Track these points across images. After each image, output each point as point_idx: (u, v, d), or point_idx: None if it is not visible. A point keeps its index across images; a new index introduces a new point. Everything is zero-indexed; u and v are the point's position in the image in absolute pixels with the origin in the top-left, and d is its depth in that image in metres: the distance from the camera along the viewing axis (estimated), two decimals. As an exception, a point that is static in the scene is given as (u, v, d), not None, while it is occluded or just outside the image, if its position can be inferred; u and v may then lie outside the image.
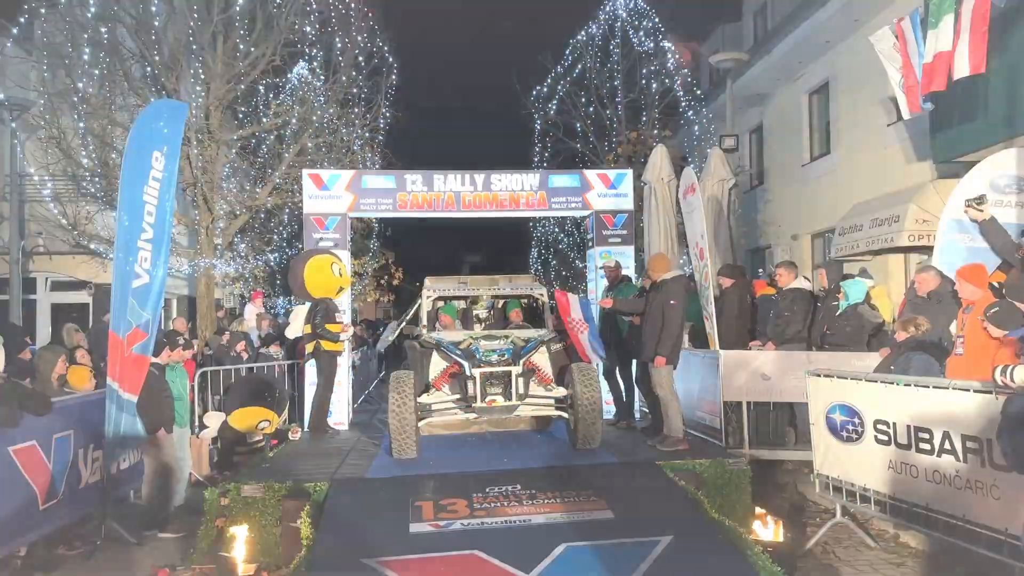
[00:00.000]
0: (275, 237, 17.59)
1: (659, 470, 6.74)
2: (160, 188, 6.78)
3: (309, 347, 9.00)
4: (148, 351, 6.75)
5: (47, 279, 17.17)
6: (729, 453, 7.39)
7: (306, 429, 9.35)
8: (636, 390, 9.08)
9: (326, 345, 8.78)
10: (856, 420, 5.84)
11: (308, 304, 9.12)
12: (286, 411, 9.53)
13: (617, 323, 8.89)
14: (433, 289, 8.63)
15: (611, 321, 8.92)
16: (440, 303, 9.16)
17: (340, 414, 9.55)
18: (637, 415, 9.41)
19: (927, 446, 5.18)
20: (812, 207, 14.72)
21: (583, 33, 18.86)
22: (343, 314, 9.19)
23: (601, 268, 9.78)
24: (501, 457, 7.45)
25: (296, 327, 9.51)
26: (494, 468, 6.94)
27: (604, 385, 9.08)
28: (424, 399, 7.59)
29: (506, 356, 7.33)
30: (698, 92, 18.58)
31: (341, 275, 9.10)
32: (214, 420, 8.69)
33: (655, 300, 7.63)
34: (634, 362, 8.76)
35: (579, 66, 18.78)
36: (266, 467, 7.32)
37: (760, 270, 14.57)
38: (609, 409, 9.50)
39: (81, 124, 13.44)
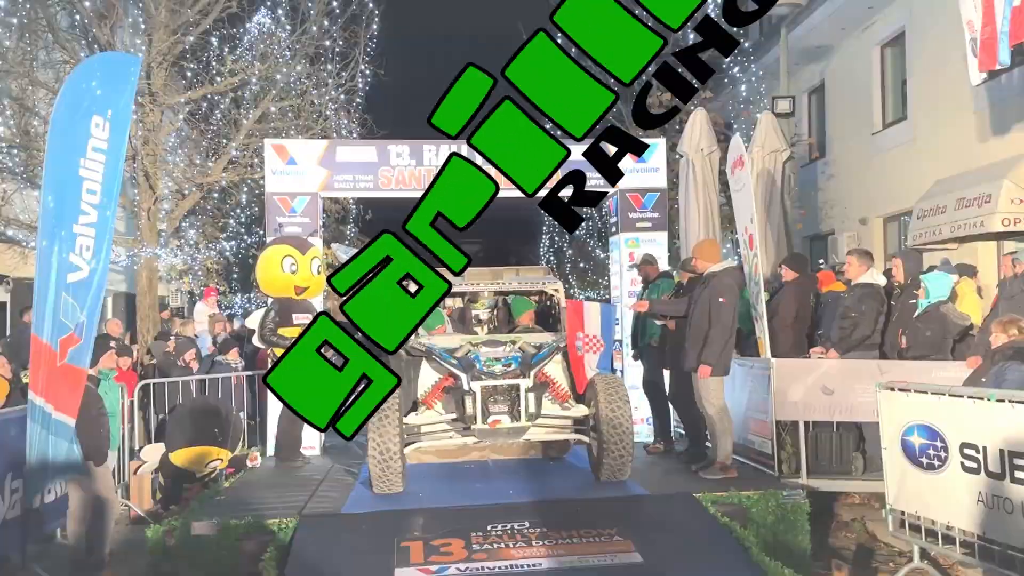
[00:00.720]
0: (231, 222, 17.65)
1: (697, 504, 6.74)
2: (106, 162, 6.64)
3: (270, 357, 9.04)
4: (84, 361, 6.67)
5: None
6: (783, 483, 7.38)
7: (269, 455, 9.36)
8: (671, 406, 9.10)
9: (279, 353, 8.79)
10: (938, 444, 5.82)
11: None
12: (244, 437, 9.58)
13: (647, 327, 8.90)
14: None
15: (643, 325, 8.93)
16: None
17: (311, 437, 9.58)
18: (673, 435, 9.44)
19: (1025, 475, 5.17)
20: (884, 184, 14.69)
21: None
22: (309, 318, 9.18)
23: (632, 267, 9.77)
24: (506, 490, 7.46)
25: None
26: (497, 502, 6.94)
27: (642, 398, 9.14)
28: (412, 419, 7.60)
29: (513, 366, 7.33)
30: (745, 44, 18.53)
31: (295, 271, 9.02)
32: (152, 454, 8.70)
33: (701, 297, 7.63)
34: (667, 374, 8.78)
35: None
36: (221, 500, 7.32)
37: (821, 261, 14.53)
38: (640, 429, 9.50)
39: (-6, 85, 13.53)
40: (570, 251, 24.44)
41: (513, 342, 7.82)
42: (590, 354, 8.09)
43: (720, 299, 7.49)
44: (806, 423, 7.84)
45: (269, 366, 8.94)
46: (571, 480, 7.87)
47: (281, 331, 8.79)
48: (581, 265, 23.16)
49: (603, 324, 8.41)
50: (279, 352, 8.78)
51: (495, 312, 9.13)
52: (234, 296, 21.29)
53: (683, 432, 9.09)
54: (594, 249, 21.36)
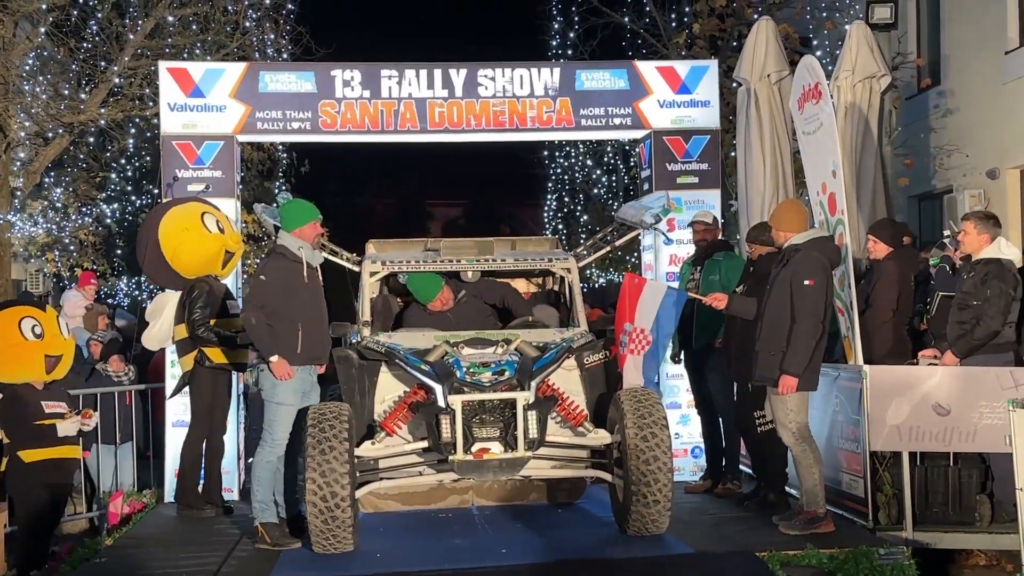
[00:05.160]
0: (113, 176, 17.60)
1: (763, 566, 6.78)
2: None
3: (187, 360, 8.99)
4: None
5: None
6: (879, 538, 7.42)
7: (167, 500, 9.40)
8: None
9: (213, 355, 8.81)
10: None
11: (179, 292, 9.12)
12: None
13: (708, 320, 8.91)
14: (380, 261, 8.60)
15: (701, 317, 8.94)
16: (394, 284, 9.18)
17: (230, 476, 9.60)
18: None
19: None
20: (1021, 124, 14.68)
21: None
22: (237, 305, 9.17)
23: (668, 241, 9.74)
24: (496, 548, 7.47)
25: (160, 330, 9.47)
26: (485, 565, 6.97)
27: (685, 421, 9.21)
28: (367, 451, 7.61)
29: (507, 374, 7.36)
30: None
31: (222, 230, 9.06)
32: None
33: (777, 280, 7.65)
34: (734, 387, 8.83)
35: None
36: (101, 563, 7.37)
37: (946, 233, 14.50)
38: (684, 463, 9.54)
39: None
40: (585, 216, 24.40)
41: (507, 341, 7.84)
42: (632, 356, 8.06)
43: (805, 281, 7.48)
44: (912, 455, 7.86)
45: (181, 376, 9.01)
46: (587, 534, 7.90)
47: (214, 323, 8.79)
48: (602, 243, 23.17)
49: (662, 317, 8.34)
50: (214, 354, 8.80)
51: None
52: (116, 280, 21.22)
53: (748, 469, 9.16)
54: (615, 217, 21.35)
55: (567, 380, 8.01)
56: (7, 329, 8.43)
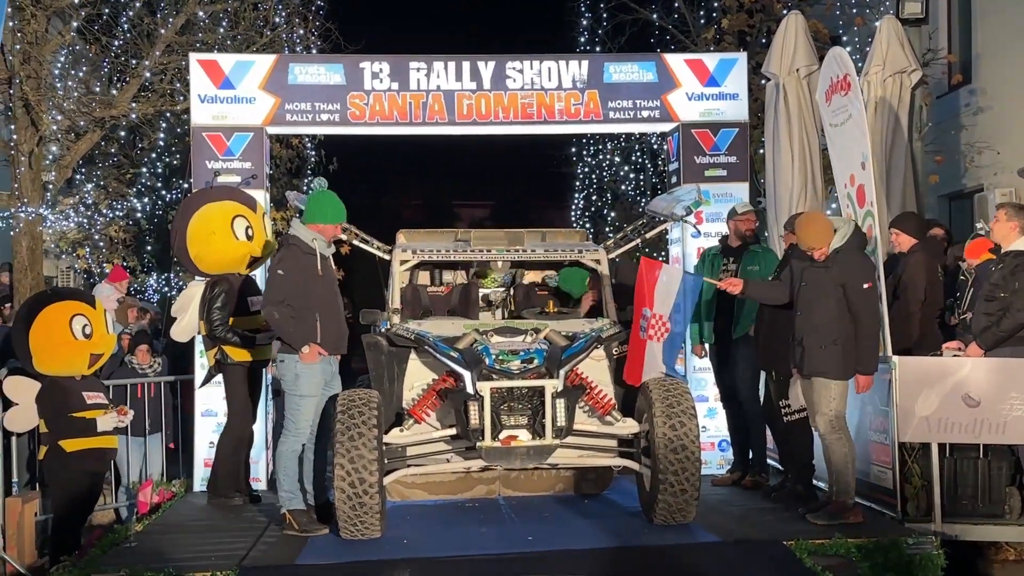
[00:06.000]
0: (144, 171, 17.70)
1: (789, 555, 6.80)
2: None
3: (209, 356, 9.08)
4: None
5: None
6: (907, 528, 7.42)
7: (198, 489, 9.51)
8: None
9: (233, 353, 8.87)
10: None
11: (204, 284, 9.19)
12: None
13: (743, 310, 8.92)
14: (411, 250, 8.66)
15: (734, 307, 8.95)
16: (423, 273, 9.26)
17: (257, 466, 9.70)
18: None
19: None
20: (1053, 122, 14.57)
21: None
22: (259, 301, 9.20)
23: (697, 234, 9.76)
24: (523, 535, 7.51)
25: (188, 322, 9.56)
26: (511, 551, 7.01)
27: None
28: (395, 437, 7.65)
29: (536, 362, 7.39)
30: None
31: (251, 237, 9.09)
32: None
33: (825, 280, 7.66)
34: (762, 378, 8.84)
35: None
36: (131, 548, 7.42)
37: (979, 225, 14.42)
38: (711, 456, 9.57)
39: None
40: (612, 215, 24.36)
41: (536, 330, 7.89)
42: (652, 342, 8.01)
43: (864, 285, 7.58)
44: (941, 446, 7.85)
45: (209, 368, 9.08)
46: (614, 523, 7.91)
47: (235, 322, 8.85)
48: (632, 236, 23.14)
49: (681, 302, 8.21)
50: (233, 352, 8.85)
51: (512, 292, 9.15)
52: (147, 276, 21.34)
53: (778, 463, 9.15)
54: (646, 211, 21.32)
55: (595, 370, 8.04)
56: (58, 326, 8.53)
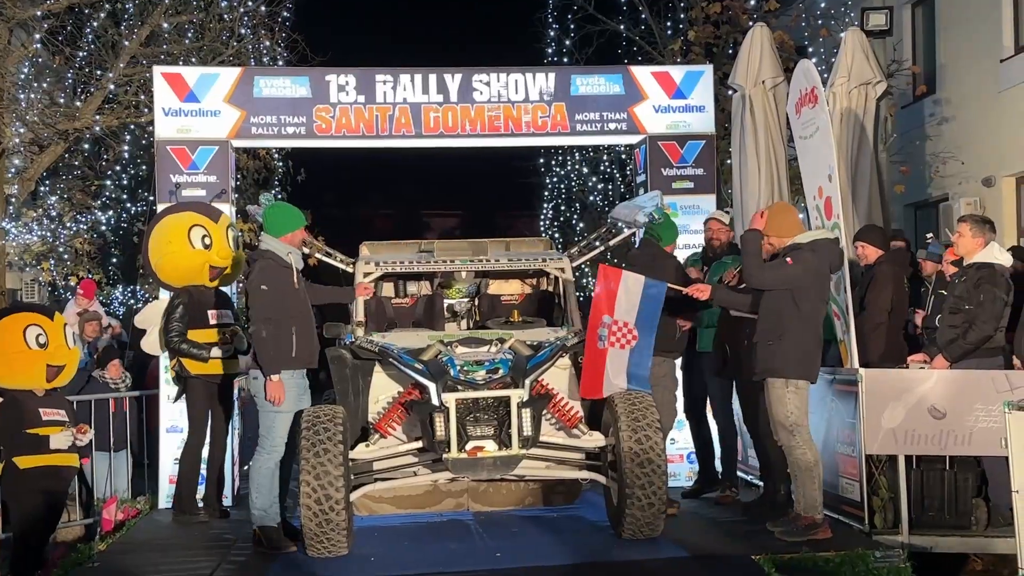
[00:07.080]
0: (108, 184, 17.57)
1: (758, 570, 6.78)
2: None
3: (170, 368, 9.03)
4: None
5: None
6: (875, 541, 7.43)
7: (162, 506, 9.41)
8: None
9: (191, 366, 8.82)
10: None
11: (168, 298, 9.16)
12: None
13: (706, 322, 8.92)
14: (375, 263, 8.64)
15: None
16: (388, 285, 9.22)
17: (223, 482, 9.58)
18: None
19: None
20: (1018, 131, 14.72)
21: None
22: (228, 315, 9.17)
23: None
24: (491, 551, 7.48)
25: (153, 336, 9.51)
26: (479, 568, 6.97)
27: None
28: (361, 452, 7.63)
29: (501, 372, 7.39)
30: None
31: (209, 246, 9.01)
32: None
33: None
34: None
35: None
36: (94, 568, 7.38)
37: (929, 237, 14.55)
38: (678, 469, 9.54)
39: None
40: (581, 225, 24.41)
41: (501, 340, 7.89)
42: (615, 349, 7.97)
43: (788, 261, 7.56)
44: (908, 458, 7.86)
45: (176, 381, 9.00)
46: (582, 539, 7.90)
47: (192, 334, 8.78)
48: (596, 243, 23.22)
49: (644, 309, 8.02)
50: (191, 364, 8.79)
51: (477, 302, 9.15)
52: (112, 288, 21.20)
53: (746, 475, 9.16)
54: (608, 218, 21.37)
55: (561, 380, 8.04)
56: (11, 336, 8.39)
